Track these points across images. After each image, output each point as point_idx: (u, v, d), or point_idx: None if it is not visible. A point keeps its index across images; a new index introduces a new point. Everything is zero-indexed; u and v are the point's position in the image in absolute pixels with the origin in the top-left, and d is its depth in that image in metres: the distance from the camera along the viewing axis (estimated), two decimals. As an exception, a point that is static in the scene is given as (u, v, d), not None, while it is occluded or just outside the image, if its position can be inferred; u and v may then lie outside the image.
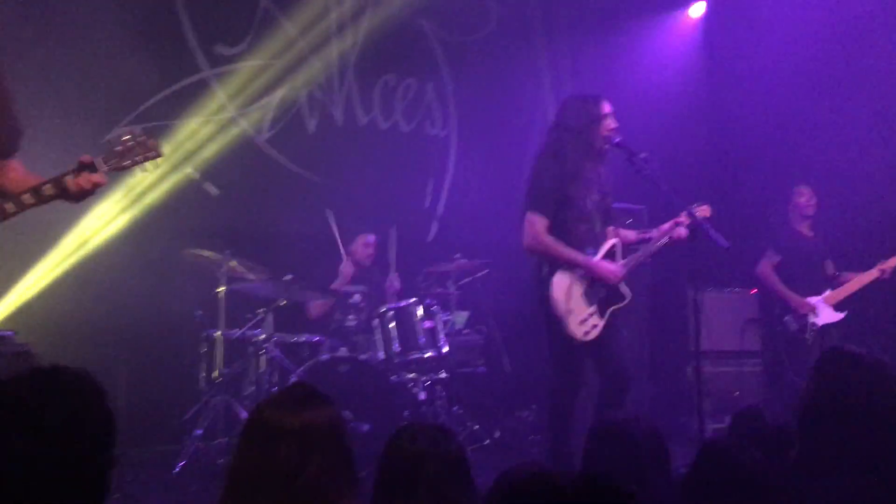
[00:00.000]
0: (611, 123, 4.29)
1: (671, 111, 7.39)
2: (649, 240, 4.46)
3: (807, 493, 2.10)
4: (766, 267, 5.97)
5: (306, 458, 1.79)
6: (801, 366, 5.81)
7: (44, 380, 1.19)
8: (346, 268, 6.04)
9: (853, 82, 6.70)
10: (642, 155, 4.14)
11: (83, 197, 2.60)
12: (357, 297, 6.05)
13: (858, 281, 5.85)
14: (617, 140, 4.24)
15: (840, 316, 5.83)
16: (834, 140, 6.74)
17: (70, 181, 2.58)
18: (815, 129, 6.82)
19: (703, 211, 4.35)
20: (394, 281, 6.05)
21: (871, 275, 5.81)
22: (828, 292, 5.87)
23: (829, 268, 6.02)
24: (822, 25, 6.79)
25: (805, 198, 6.05)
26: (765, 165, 7.12)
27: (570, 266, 4.25)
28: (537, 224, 4.24)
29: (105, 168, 2.62)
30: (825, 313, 5.83)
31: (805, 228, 6.09)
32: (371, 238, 6.22)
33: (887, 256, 5.83)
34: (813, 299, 5.86)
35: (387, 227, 6.69)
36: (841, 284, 5.92)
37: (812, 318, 5.81)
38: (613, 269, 4.28)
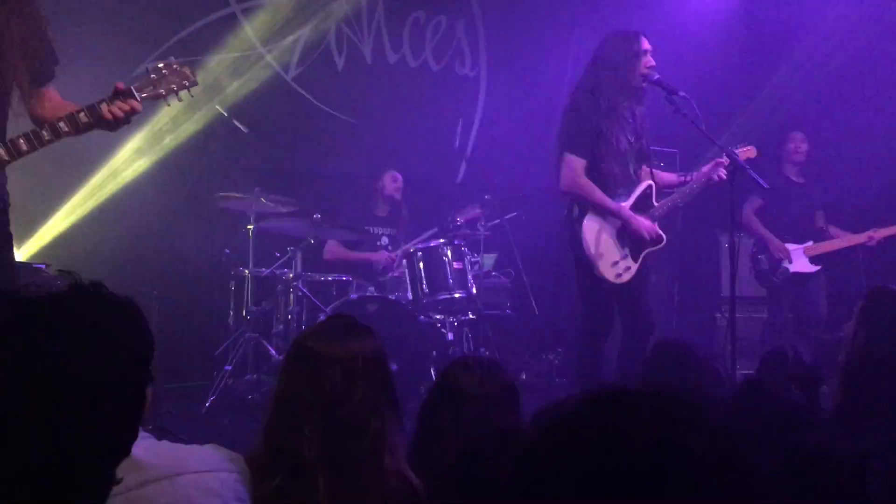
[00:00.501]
0: (649, 60, 4.18)
1: (708, 51, 7.21)
2: (687, 182, 4.38)
3: (849, 436, 2.07)
4: (747, 210, 5.91)
5: (352, 384, 1.82)
6: (775, 311, 5.84)
7: (85, 294, 1.18)
8: (384, 258, 5.90)
9: (889, 43, 6.51)
10: (681, 93, 4.03)
11: (119, 125, 2.58)
12: (385, 240, 6.05)
13: (844, 240, 5.78)
14: (656, 77, 4.14)
15: (814, 268, 5.78)
16: (866, 95, 6.59)
17: (105, 108, 2.55)
18: (847, 82, 6.66)
19: (747, 152, 4.26)
20: (384, 258, 5.84)
21: (859, 238, 5.72)
22: (809, 243, 5.80)
23: (819, 219, 5.94)
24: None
25: (794, 143, 5.95)
26: (800, 117, 6.97)
27: (611, 216, 4.19)
28: (575, 165, 4.16)
29: (140, 96, 2.58)
30: (800, 262, 5.78)
31: (794, 174, 6.00)
32: (398, 174, 6.17)
33: (882, 224, 5.72)
34: (791, 246, 5.80)
35: (415, 168, 6.63)
36: (826, 239, 5.84)
37: (785, 263, 5.76)
38: (647, 226, 4.20)
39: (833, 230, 5.92)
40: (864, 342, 2.18)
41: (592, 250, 4.16)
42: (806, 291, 5.83)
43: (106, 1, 5.61)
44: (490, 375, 2.16)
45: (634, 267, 4.24)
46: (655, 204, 4.32)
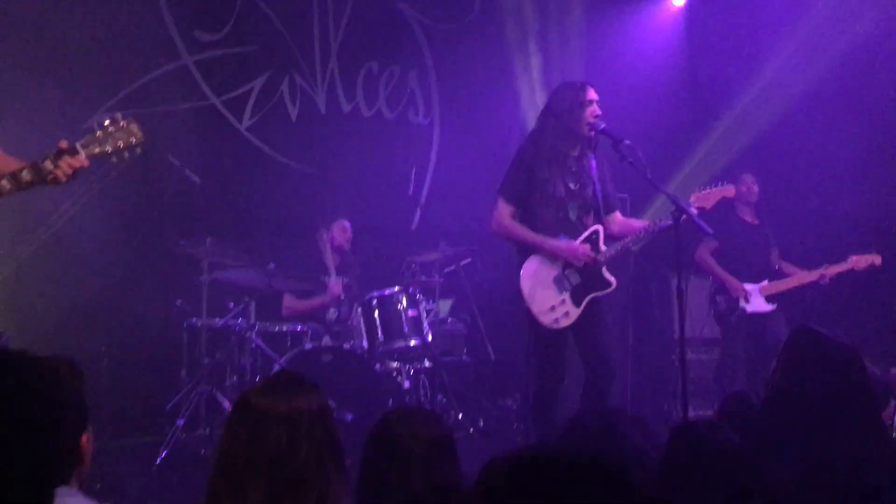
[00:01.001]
0: (595, 110, 4.28)
1: (654, 99, 7.40)
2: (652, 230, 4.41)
3: (763, 469, 2.11)
4: (702, 252, 6.02)
5: (296, 443, 1.79)
6: (731, 352, 5.90)
7: None
8: (334, 287, 5.89)
9: (832, 79, 6.75)
10: (626, 142, 4.12)
11: (65, 181, 2.55)
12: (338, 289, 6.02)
13: (797, 279, 5.88)
14: (602, 126, 4.23)
15: (770, 308, 5.86)
16: (807, 134, 6.80)
17: (49, 165, 2.53)
18: (790, 121, 6.87)
19: (726, 191, 4.39)
20: (334, 286, 5.85)
21: (812, 276, 5.84)
22: (765, 282, 5.91)
23: (775, 258, 6.05)
24: (804, 17, 6.83)
25: (746, 185, 6.08)
26: (743, 156, 7.16)
27: (536, 250, 4.25)
28: (501, 209, 4.30)
29: (83, 153, 2.57)
30: (756, 301, 5.86)
31: (748, 215, 6.14)
32: (347, 223, 6.17)
33: (834, 261, 5.85)
34: (749, 286, 5.90)
35: (370, 216, 6.66)
36: (781, 277, 5.94)
37: (742, 304, 5.86)
38: (575, 246, 4.23)
39: (788, 268, 6.01)
40: (780, 379, 2.24)
41: (528, 293, 4.21)
42: (763, 331, 5.86)
43: (56, 53, 5.58)
44: (426, 427, 2.15)
45: (576, 312, 4.25)
46: (603, 248, 4.37)
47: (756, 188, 6.11)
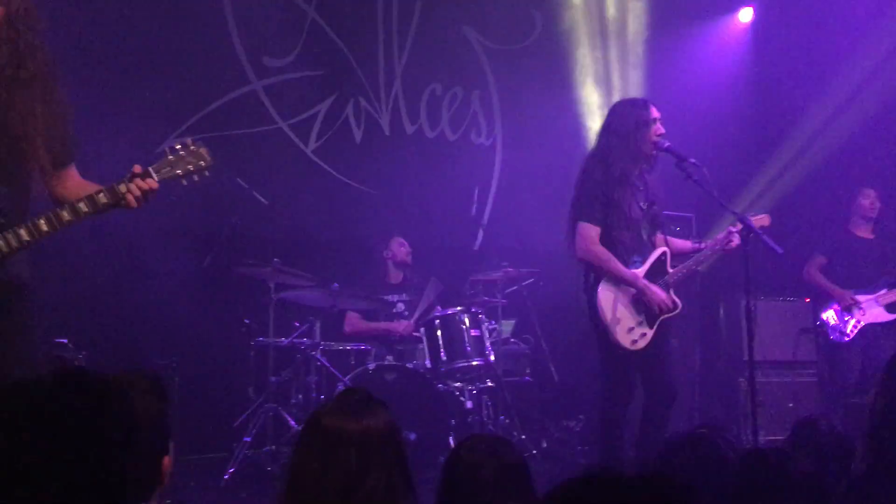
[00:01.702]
0: (659, 128, 4.24)
1: (720, 117, 7.29)
2: (701, 250, 4.38)
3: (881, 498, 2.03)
4: (811, 268, 5.85)
5: (367, 464, 1.79)
6: (843, 371, 5.64)
7: (62, 382, 1.22)
8: (404, 326, 5.93)
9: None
10: (691, 160, 4.08)
11: (138, 204, 2.64)
12: (401, 306, 6.07)
13: None
14: (666, 145, 4.19)
15: (891, 317, 5.63)
16: (890, 144, 6.60)
17: (123, 188, 2.63)
18: (866, 134, 6.68)
19: (761, 220, 4.27)
20: (402, 326, 5.83)
21: None
22: (883, 291, 5.68)
23: (892, 275, 5.83)
24: (872, 28, 6.65)
25: (869, 200, 5.90)
26: (816, 172, 6.98)
27: (625, 284, 4.20)
28: (590, 233, 4.19)
29: (156, 176, 2.66)
30: (873, 311, 5.63)
31: (865, 231, 5.95)
32: (404, 240, 6.22)
33: None
34: (861, 296, 5.68)
35: (433, 236, 6.70)
36: None
37: (855, 313, 5.62)
38: (662, 297, 4.18)
39: None
40: (885, 406, 2.15)
41: (608, 317, 4.16)
42: (874, 347, 5.53)
43: (130, 79, 5.79)
44: (496, 455, 2.14)
45: (650, 333, 4.22)
46: (670, 270, 4.32)
47: (878, 204, 5.92)
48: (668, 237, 4.46)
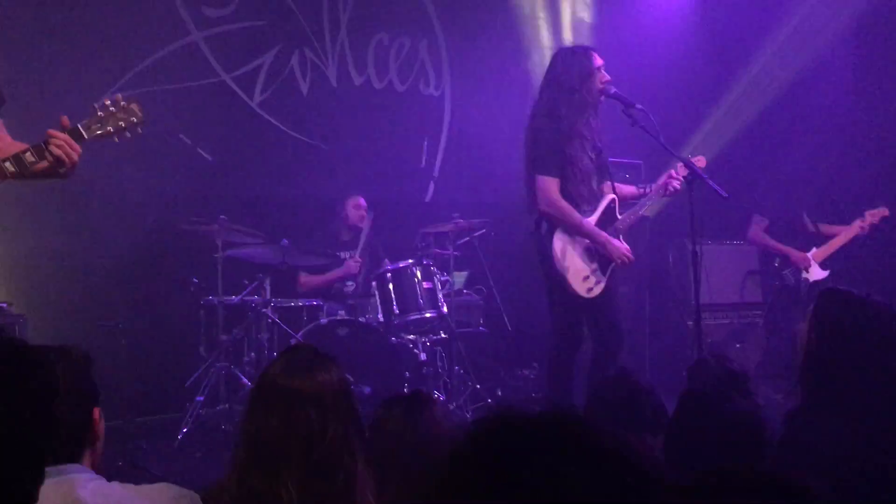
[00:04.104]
0: (603, 76, 4.22)
1: (668, 62, 7.29)
2: (646, 194, 4.41)
3: (811, 441, 2.08)
4: (756, 230, 5.96)
5: (326, 419, 1.81)
6: (798, 316, 5.79)
7: None
8: (352, 263, 5.92)
9: (842, 39, 6.63)
10: (638, 106, 4.08)
11: (68, 162, 2.54)
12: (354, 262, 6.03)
13: (843, 236, 5.83)
14: (613, 91, 4.18)
15: (825, 274, 5.83)
16: (819, 93, 6.69)
17: (51, 144, 2.52)
18: (804, 82, 6.77)
19: (697, 162, 4.30)
20: (352, 262, 5.88)
21: (853, 231, 5.79)
22: (814, 250, 5.85)
23: (808, 222, 5.98)
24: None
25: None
26: (762, 116, 7.05)
27: (583, 237, 4.21)
28: (550, 185, 4.19)
29: (86, 134, 2.57)
30: (815, 270, 5.82)
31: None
32: (361, 200, 6.17)
33: (862, 210, 5.81)
34: (808, 254, 5.85)
35: (383, 189, 6.64)
36: (824, 240, 5.88)
37: (805, 274, 5.81)
38: (624, 251, 4.22)
39: (826, 229, 5.94)
40: (817, 343, 2.20)
41: (562, 266, 4.19)
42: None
43: (62, 35, 5.57)
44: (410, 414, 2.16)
45: (604, 281, 4.27)
46: (619, 217, 4.35)
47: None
48: (616, 184, 4.48)
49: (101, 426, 1.85)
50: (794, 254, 5.85)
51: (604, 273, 4.27)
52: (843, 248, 5.85)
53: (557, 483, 0.70)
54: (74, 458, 1.73)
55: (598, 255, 4.25)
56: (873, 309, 2.21)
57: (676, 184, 4.21)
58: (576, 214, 4.19)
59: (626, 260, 4.21)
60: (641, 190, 4.50)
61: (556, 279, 4.21)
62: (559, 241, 4.21)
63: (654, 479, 0.78)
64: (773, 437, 2.04)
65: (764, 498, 0.88)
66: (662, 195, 4.32)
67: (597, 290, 4.25)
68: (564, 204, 4.17)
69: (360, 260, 5.80)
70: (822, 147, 6.52)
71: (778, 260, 5.95)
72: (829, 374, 2.18)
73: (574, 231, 4.20)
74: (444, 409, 2.28)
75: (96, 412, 1.81)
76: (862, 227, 5.77)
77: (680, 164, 4.21)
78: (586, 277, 4.23)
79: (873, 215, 5.78)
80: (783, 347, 5.69)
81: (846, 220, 5.87)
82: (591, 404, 2.52)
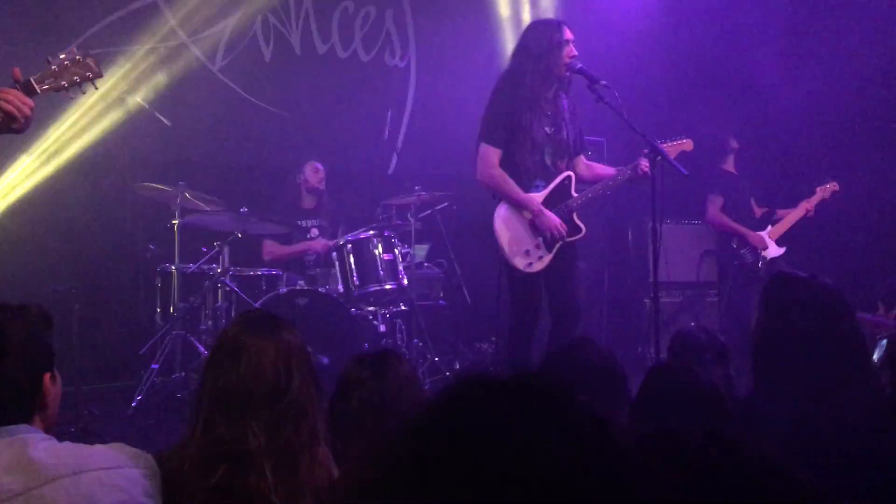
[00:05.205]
0: (571, 50, 4.21)
1: (634, 40, 7.29)
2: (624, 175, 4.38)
3: (764, 422, 2.12)
4: (713, 210, 6.05)
5: (291, 374, 1.86)
6: (755, 296, 5.90)
7: None
8: (319, 243, 5.85)
9: (807, 26, 6.70)
10: (603, 82, 4.07)
11: (21, 117, 2.45)
12: (315, 231, 5.98)
13: (794, 215, 5.97)
14: (578, 66, 4.17)
15: (782, 251, 5.95)
16: (782, 75, 6.77)
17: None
18: (763, 64, 6.83)
19: (684, 145, 4.36)
20: (318, 247, 5.81)
21: (800, 211, 5.94)
22: (769, 228, 5.97)
23: (755, 206, 6.11)
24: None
25: (739, 142, 6.14)
26: (719, 99, 7.10)
27: (519, 208, 4.21)
28: (490, 155, 4.20)
29: (40, 87, 2.48)
30: (772, 248, 5.94)
31: (730, 166, 6.17)
32: (318, 165, 6.08)
33: (807, 194, 5.95)
34: (763, 234, 5.96)
35: (345, 160, 6.58)
36: (777, 221, 6.01)
37: (763, 252, 5.93)
38: (556, 223, 4.19)
39: (776, 212, 6.06)
40: (764, 326, 2.24)
41: (504, 239, 4.20)
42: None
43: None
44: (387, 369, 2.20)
45: (548, 257, 4.26)
46: (574, 195, 4.35)
47: (735, 144, 6.14)
48: (593, 164, 4.51)
49: (56, 390, 1.81)
50: (750, 233, 5.96)
51: (549, 249, 4.25)
52: (797, 225, 5.98)
53: (534, 448, 0.69)
54: (24, 420, 1.70)
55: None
56: (818, 287, 2.25)
57: (645, 164, 4.21)
58: (510, 184, 4.18)
59: (557, 233, 4.18)
60: (619, 172, 4.47)
61: (500, 253, 4.24)
62: (502, 214, 4.23)
63: (628, 444, 0.77)
64: (736, 411, 2.07)
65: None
66: (630, 176, 4.30)
67: (538, 266, 4.23)
68: (499, 172, 4.18)
69: (329, 244, 5.72)
70: (766, 133, 6.63)
71: (735, 240, 6.04)
72: (778, 354, 2.21)
73: (508, 201, 4.21)
74: (410, 368, 2.31)
75: (47, 376, 1.77)
76: (808, 210, 5.90)
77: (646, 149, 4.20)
78: (527, 251, 4.22)
79: (824, 190, 5.93)
80: (735, 327, 5.79)
81: (797, 202, 6.01)
82: (545, 370, 2.53)
